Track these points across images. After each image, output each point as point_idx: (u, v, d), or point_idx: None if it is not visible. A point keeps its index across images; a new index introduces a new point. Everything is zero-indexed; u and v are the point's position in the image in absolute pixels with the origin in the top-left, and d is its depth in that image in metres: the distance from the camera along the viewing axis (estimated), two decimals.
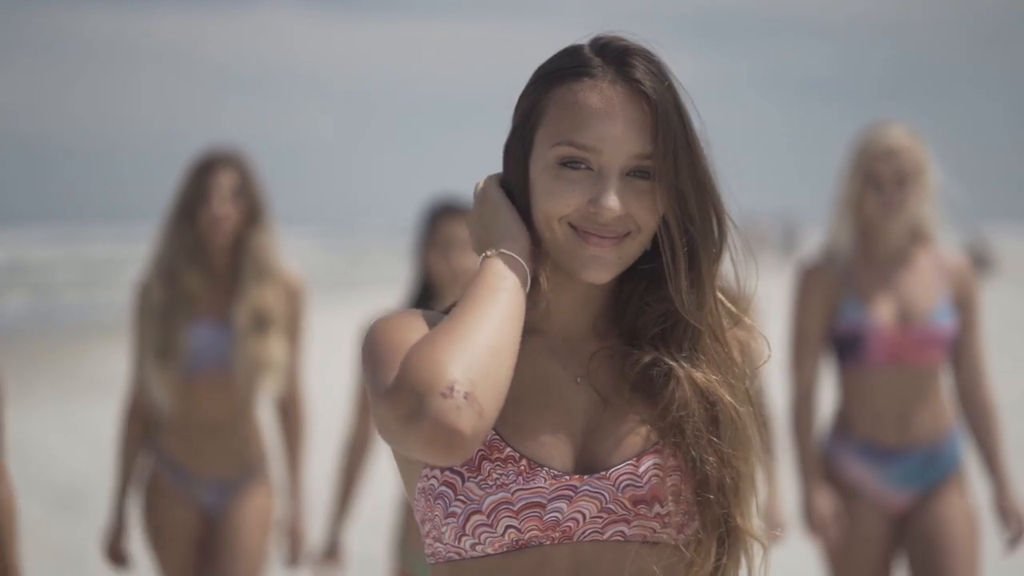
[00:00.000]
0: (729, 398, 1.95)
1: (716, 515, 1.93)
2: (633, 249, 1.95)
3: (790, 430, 4.73)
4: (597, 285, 1.98)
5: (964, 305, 4.64)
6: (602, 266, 1.94)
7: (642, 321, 1.98)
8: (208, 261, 5.00)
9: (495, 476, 1.89)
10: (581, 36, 2.01)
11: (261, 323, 4.92)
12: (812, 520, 4.62)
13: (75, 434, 11.20)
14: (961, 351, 4.66)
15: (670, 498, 1.91)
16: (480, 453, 1.90)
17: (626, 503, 1.91)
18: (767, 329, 4.54)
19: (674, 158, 1.92)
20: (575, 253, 1.93)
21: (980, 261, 38.57)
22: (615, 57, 1.96)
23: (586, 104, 1.94)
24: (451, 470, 1.90)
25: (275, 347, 4.92)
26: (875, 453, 4.58)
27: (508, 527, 1.89)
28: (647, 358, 1.96)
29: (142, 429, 4.98)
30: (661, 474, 1.91)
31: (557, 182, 1.93)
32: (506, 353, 1.83)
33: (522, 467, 1.90)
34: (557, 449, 1.92)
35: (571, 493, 1.90)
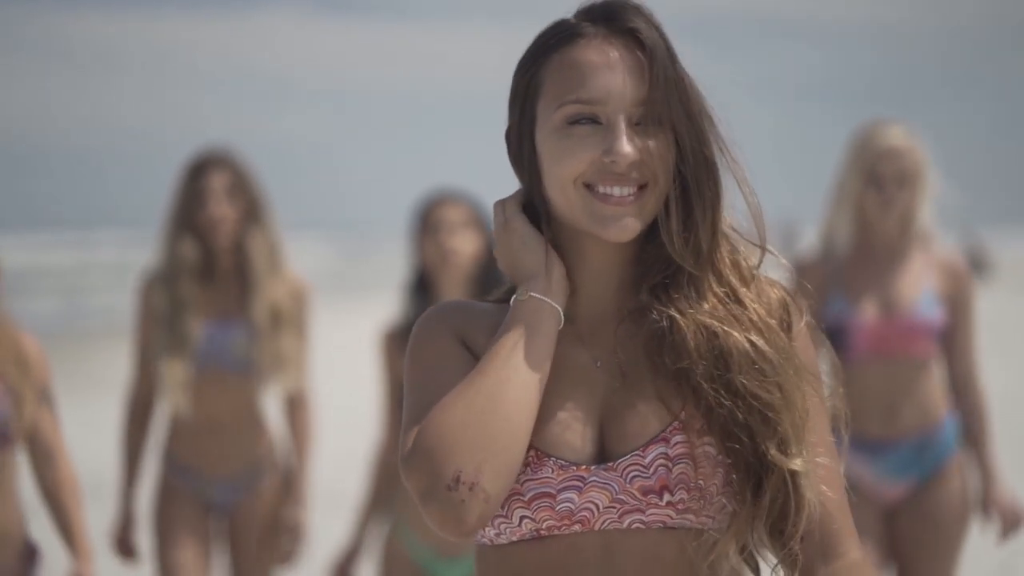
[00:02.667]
0: (737, 334, 1.91)
1: (746, 458, 1.88)
2: (652, 202, 1.92)
3: None
4: (617, 254, 1.96)
5: (956, 302, 4.67)
6: (624, 221, 1.91)
7: (650, 275, 1.95)
8: (211, 263, 5.00)
9: None
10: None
11: (276, 319, 4.93)
12: None
13: (90, 428, 11.45)
14: (953, 348, 4.68)
15: (680, 486, 1.89)
16: None
17: (636, 493, 1.89)
18: None
19: (667, 99, 1.92)
20: (595, 214, 1.91)
21: (977, 265, 38.68)
22: (602, 15, 1.97)
23: (584, 60, 1.93)
24: None
25: (289, 343, 4.93)
26: (865, 446, 4.60)
27: (523, 517, 1.90)
28: (653, 314, 1.92)
29: (144, 426, 5.03)
30: (668, 463, 1.89)
31: (567, 141, 1.92)
32: (522, 421, 1.86)
33: (530, 457, 1.90)
34: (569, 438, 1.91)
35: (580, 484, 1.90)
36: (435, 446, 1.83)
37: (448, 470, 1.82)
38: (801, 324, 2.01)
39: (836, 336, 4.61)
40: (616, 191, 1.91)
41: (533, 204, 2.00)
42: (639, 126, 1.92)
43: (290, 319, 4.96)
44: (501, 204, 2.02)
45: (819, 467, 1.95)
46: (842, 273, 4.69)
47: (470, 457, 1.83)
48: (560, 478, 1.90)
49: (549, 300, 1.92)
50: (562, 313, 1.93)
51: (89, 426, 11.53)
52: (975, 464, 4.67)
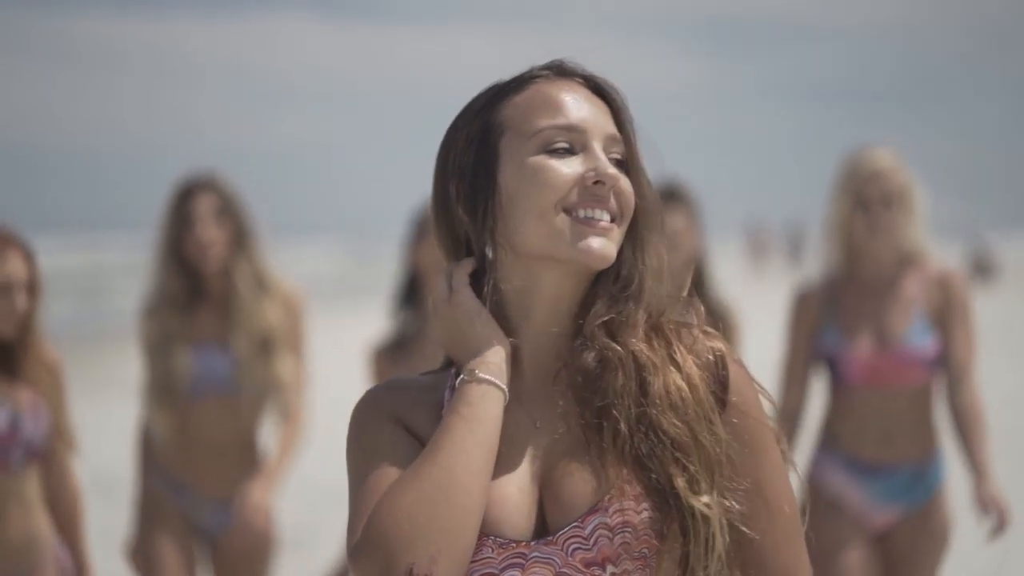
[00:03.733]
0: (663, 374, 1.90)
1: (663, 496, 1.86)
2: (619, 238, 1.92)
3: None
4: (566, 300, 1.92)
5: (944, 315, 4.68)
6: (606, 240, 1.89)
7: (586, 323, 1.92)
8: (202, 287, 5.01)
9: None
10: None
11: (265, 345, 4.94)
12: None
13: (104, 429, 11.60)
14: (948, 353, 4.69)
15: (624, 557, 1.85)
16: None
17: (579, 566, 1.85)
18: (766, 339, 4.72)
19: (631, 143, 1.95)
20: (576, 235, 1.88)
21: (982, 268, 38.68)
22: (554, 67, 1.97)
23: (553, 94, 1.93)
24: None
25: (282, 368, 4.94)
26: (860, 468, 4.67)
27: None
28: (590, 361, 1.89)
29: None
30: (609, 534, 1.85)
31: (546, 166, 1.89)
32: (474, 509, 1.81)
33: None
34: (508, 513, 1.87)
35: (522, 561, 1.86)
36: (387, 537, 1.79)
37: (401, 562, 1.78)
38: (738, 371, 1.96)
39: (831, 366, 4.71)
40: (598, 213, 1.88)
41: (474, 273, 1.95)
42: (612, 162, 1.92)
43: (283, 339, 4.97)
44: (446, 274, 1.96)
45: (738, 509, 1.90)
46: (836, 302, 4.74)
47: (423, 549, 1.78)
48: (500, 557, 1.86)
49: (496, 382, 1.87)
50: (507, 394, 1.88)
51: (103, 427, 11.69)
52: (966, 463, 4.71)
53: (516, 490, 1.88)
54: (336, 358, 13.84)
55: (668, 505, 1.85)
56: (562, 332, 1.93)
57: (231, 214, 5.03)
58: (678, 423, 1.87)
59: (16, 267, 3.91)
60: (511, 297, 1.93)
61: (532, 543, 1.86)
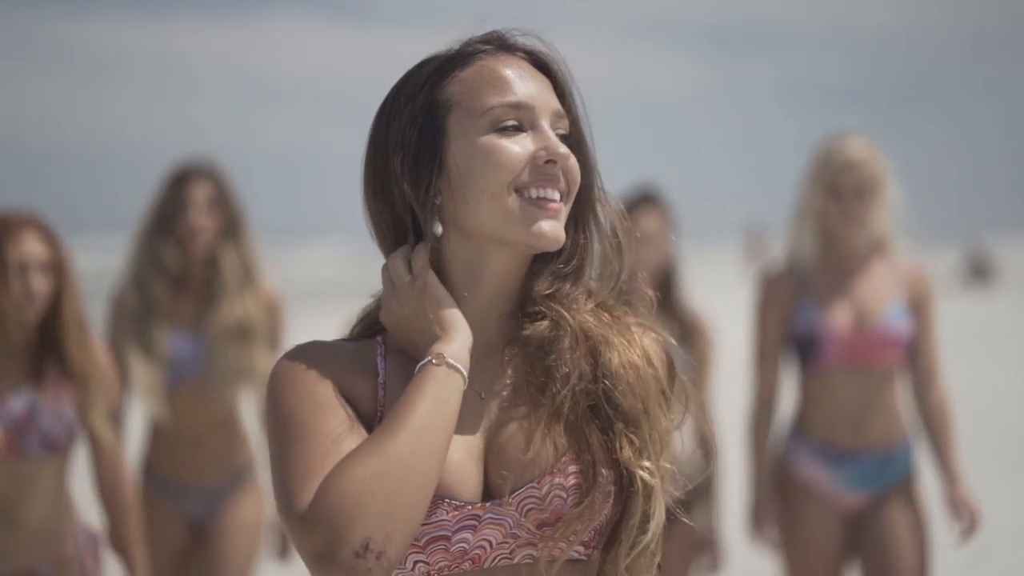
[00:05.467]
0: (615, 343, 1.92)
1: (597, 457, 1.87)
2: (565, 216, 1.92)
3: (747, 433, 4.88)
4: (511, 278, 1.93)
5: (919, 309, 4.74)
6: (557, 223, 1.89)
7: (532, 294, 1.94)
8: (186, 273, 4.99)
9: None
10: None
11: (244, 333, 4.92)
12: (756, 524, 4.80)
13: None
14: (916, 353, 4.75)
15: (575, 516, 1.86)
16: None
17: (531, 527, 1.86)
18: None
19: (576, 117, 1.95)
20: (528, 217, 1.88)
21: (980, 271, 38.76)
22: (492, 39, 1.95)
23: (499, 70, 1.91)
24: None
25: (259, 357, 4.91)
26: (830, 454, 4.69)
27: (416, 562, 1.85)
28: (539, 330, 1.91)
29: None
30: (564, 495, 1.86)
31: (497, 147, 1.87)
32: (430, 490, 1.80)
33: None
34: (461, 476, 1.87)
35: (475, 522, 1.86)
36: (342, 508, 1.75)
37: (356, 536, 1.74)
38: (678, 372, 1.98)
39: (807, 344, 4.73)
40: (550, 193, 1.88)
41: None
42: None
43: (262, 332, 4.96)
44: (401, 258, 1.93)
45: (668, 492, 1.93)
46: (810, 283, 4.76)
47: (380, 525, 1.75)
48: (455, 519, 1.85)
49: (460, 368, 1.85)
50: (467, 381, 1.86)
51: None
52: (937, 465, 4.77)
53: (465, 455, 1.88)
54: None
55: (595, 474, 1.86)
56: (506, 308, 1.94)
57: (224, 204, 5.03)
58: (631, 396, 1.89)
59: (33, 248, 3.87)
60: (456, 274, 1.92)
61: (486, 504, 1.86)
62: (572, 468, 1.87)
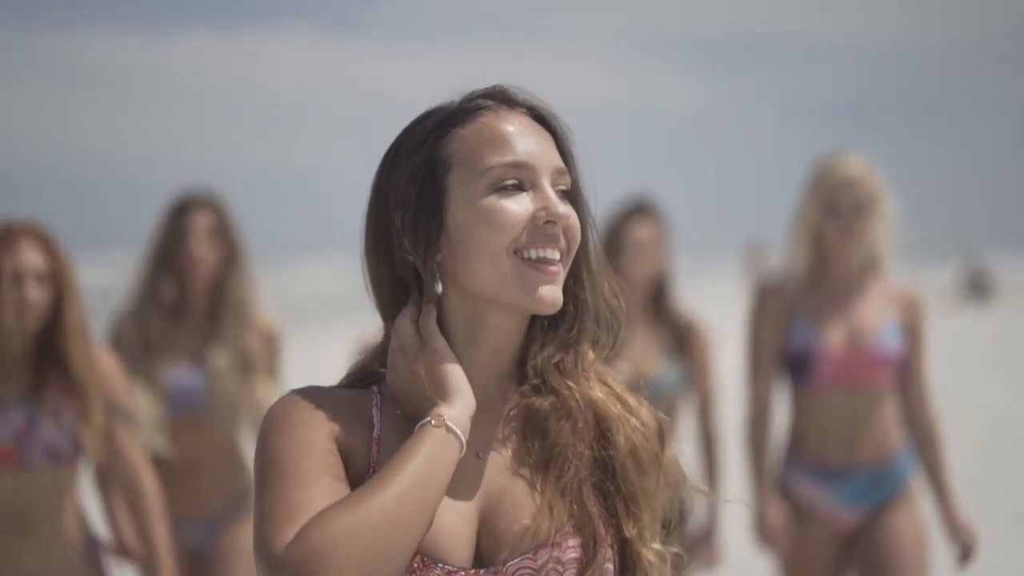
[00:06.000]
0: (620, 412, 1.92)
1: (599, 533, 1.87)
2: (565, 273, 1.91)
3: (745, 443, 4.89)
4: (511, 339, 1.92)
5: (911, 331, 4.78)
6: (555, 291, 1.88)
7: (540, 362, 1.92)
8: (186, 304, 5.02)
9: None
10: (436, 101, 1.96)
11: (246, 365, 4.93)
12: (763, 532, 4.77)
13: None
14: (907, 375, 4.79)
15: None
16: None
17: None
18: None
19: (576, 173, 1.94)
20: (527, 281, 1.86)
21: (979, 287, 38.79)
22: (494, 95, 1.94)
23: (500, 128, 1.90)
24: None
25: (261, 389, 4.91)
26: (823, 472, 4.73)
27: None
28: (547, 403, 1.90)
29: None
30: (560, 568, 1.84)
31: (497, 208, 1.86)
32: (413, 548, 1.79)
33: (415, 564, 1.82)
34: (454, 540, 1.84)
35: None
36: (317, 554, 1.73)
37: None
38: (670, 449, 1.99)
39: (800, 362, 4.75)
40: (549, 253, 1.87)
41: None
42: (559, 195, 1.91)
43: (260, 364, 4.97)
44: (409, 319, 1.91)
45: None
46: (805, 299, 4.79)
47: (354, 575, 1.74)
48: None
49: (459, 433, 1.83)
50: (464, 443, 1.85)
51: None
52: (931, 489, 4.79)
53: (459, 519, 1.86)
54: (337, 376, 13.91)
55: (596, 549, 1.86)
56: (505, 368, 1.93)
57: (224, 233, 5.06)
58: (637, 476, 1.90)
59: (29, 257, 3.86)
60: (456, 332, 1.91)
61: (480, 571, 1.84)
62: (571, 542, 1.86)
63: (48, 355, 3.90)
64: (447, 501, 1.84)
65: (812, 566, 4.74)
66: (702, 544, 5.19)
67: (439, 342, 1.88)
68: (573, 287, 1.93)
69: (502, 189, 1.87)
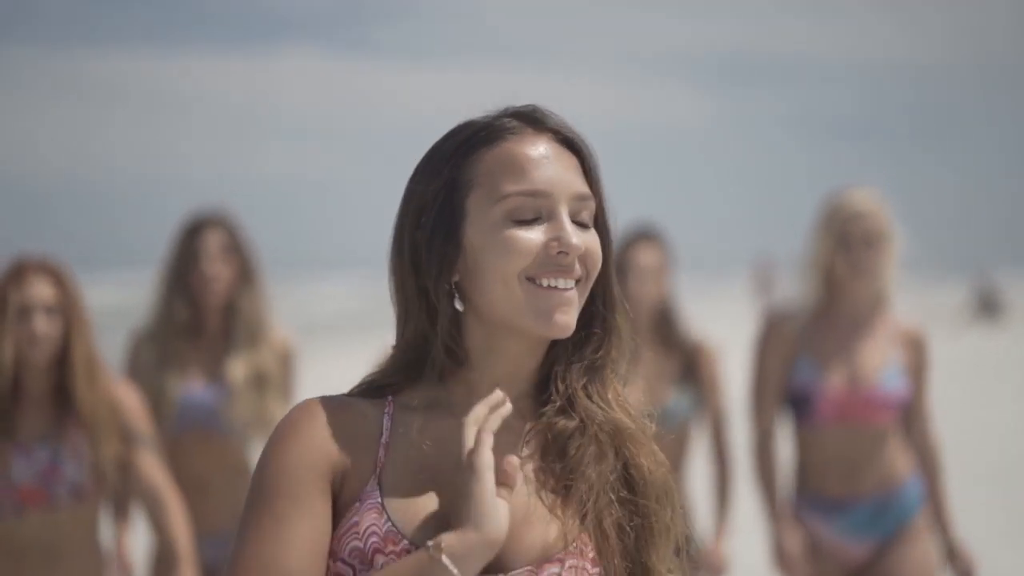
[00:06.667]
0: (644, 455, 1.93)
1: (614, 549, 1.88)
2: (582, 299, 1.90)
3: (754, 471, 4.93)
4: (530, 358, 1.92)
5: (916, 371, 4.83)
6: (568, 313, 1.87)
7: (567, 384, 1.92)
8: (201, 323, 5.05)
9: None
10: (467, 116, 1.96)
11: (260, 382, 4.97)
12: (782, 559, 4.78)
13: None
14: (911, 412, 4.85)
15: None
16: (373, 545, 1.82)
17: None
18: None
19: (600, 199, 1.93)
20: (539, 307, 1.86)
21: (989, 306, 38.74)
22: (524, 112, 1.93)
23: (521, 154, 1.88)
24: (343, 561, 1.84)
25: (275, 406, 4.94)
26: (825, 504, 4.75)
27: None
28: (571, 425, 1.91)
29: None
30: None
31: (510, 236, 1.86)
32: None
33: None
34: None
35: None
36: None
37: None
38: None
39: (801, 400, 4.79)
40: (561, 283, 1.87)
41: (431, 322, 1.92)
42: (577, 221, 1.90)
43: (274, 380, 5.00)
44: (475, 421, 1.84)
45: None
46: (811, 335, 4.83)
47: None
48: None
49: (452, 568, 1.77)
50: None
51: None
52: (931, 516, 4.82)
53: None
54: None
55: (614, 571, 1.88)
56: (524, 387, 1.93)
57: (238, 252, 5.09)
58: (655, 502, 1.91)
59: (39, 291, 3.87)
60: (474, 350, 1.91)
61: None
62: (572, 562, 1.85)
63: (62, 389, 3.91)
64: (455, 504, 1.82)
65: None
66: (708, 555, 5.20)
67: (485, 459, 1.80)
68: (602, 310, 1.94)
69: (517, 219, 1.87)
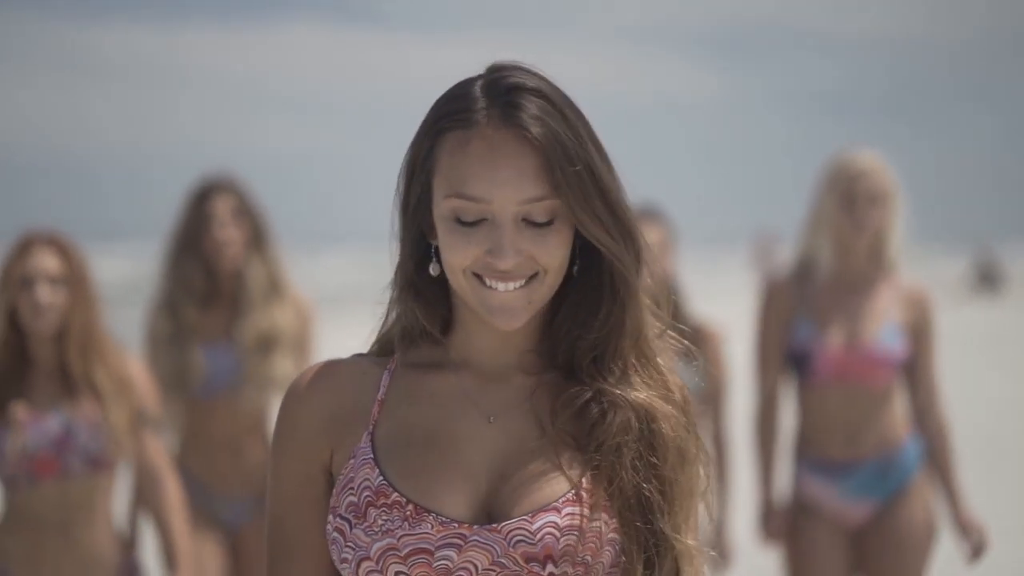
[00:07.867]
0: (667, 410, 1.92)
1: (641, 536, 1.88)
2: (542, 291, 1.88)
3: (754, 437, 4.99)
4: (522, 327, 1.90)
5: (919, 332, 4.84)
6: (510, 313, 1.86)
7: (576, 353, 1.92)
8: (216, 288, 5.07)
9: (381, 522, 1.85)
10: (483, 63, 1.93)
11: (267, 343, 5.00)
12: (767, 526, 4.88)
13: None
14: (916, 374, 4.85)
15: (565, 559, 1.84)
16: (367, 499, 1.86)
17: (518, 558, 1.84)
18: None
19: (581, 193, 1.86)
20: (483, 302, 1.86)
21: (988, 279, 38.77)
22: (502, 97, 1.87)
23: (472, 153, 1.85)
24: (340, 516, 1.88)
25: (281, 365, 4.98)
26: (827, 467, 4.79)
27: (397, 572, 1.84)
28: (586, 393, 1.90)
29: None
30: (556, 533, 1.84)
31: (453, 235, 1.86)
32: None
33: (408, 512, 1.85)
34: (451, 494, 1.86)
35: (460, 542, 1.84)
36: None
37: None
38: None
39: (801, 360, 4.82)
40: (501, 287, 1.86)
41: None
42: (529, 221, 1.86)
43: (288, 341, 5.03)
44: None
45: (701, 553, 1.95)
46: (810, 296, 4.86)
47: None
48: (440, 534, 1.84)
49: None
50: None
51: None
52: (940, 487, 4.85)
53: (459, 474, 1.88)
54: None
55: (638, 534, 1.88)
56: (527, 344, 1.94)
57: (248, 215, 5.11)
58: (676, 470, 1.91)
59: (41, 262, 3.90)
60: (463, 314, 1.94)
61: (475, 527, 1.85)
62: (570, 509, 1.86)
63: (66, 362, 3.93)
64: (449, 457, 1.88)
65: (820, 563, 4.79)
66: (711, 543, 5.22)
67: None
68: (610, 286, 1.91)
69: (461, 218, 1.86)
